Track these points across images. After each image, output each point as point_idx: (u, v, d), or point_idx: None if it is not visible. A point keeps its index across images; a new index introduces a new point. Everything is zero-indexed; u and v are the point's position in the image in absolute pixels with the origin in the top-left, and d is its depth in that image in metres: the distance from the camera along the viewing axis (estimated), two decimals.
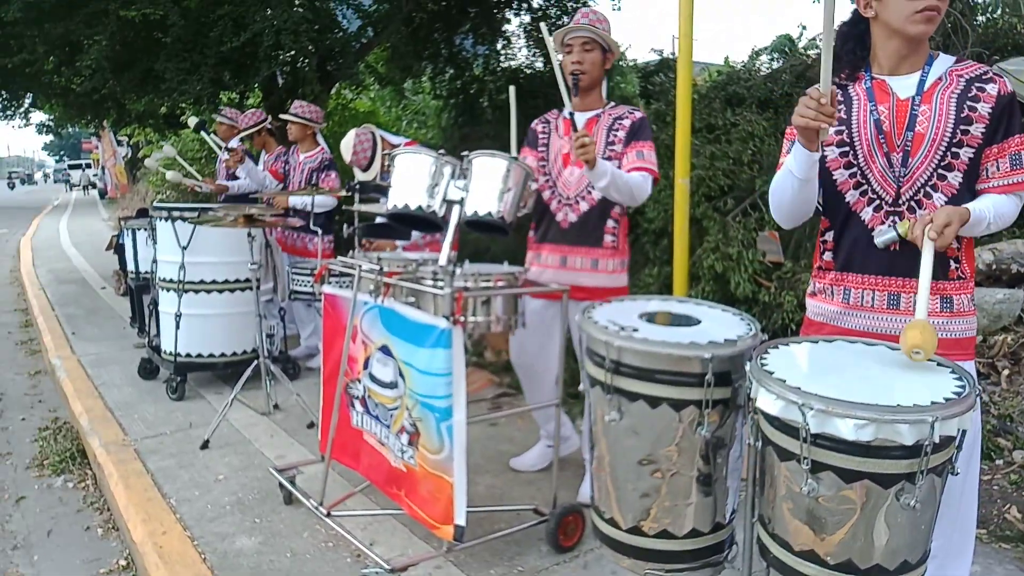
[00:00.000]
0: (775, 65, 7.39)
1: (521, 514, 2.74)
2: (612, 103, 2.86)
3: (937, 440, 1.34)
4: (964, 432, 1.41)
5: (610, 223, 2.81)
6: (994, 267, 3.51)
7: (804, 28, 10.88)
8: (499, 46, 9.33)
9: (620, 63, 10.04)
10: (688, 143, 3.39)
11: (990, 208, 1.72)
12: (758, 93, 5.60)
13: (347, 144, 3.99)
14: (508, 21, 9.21)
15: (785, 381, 1.45)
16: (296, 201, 4.73)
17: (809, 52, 7.41)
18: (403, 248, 3.77)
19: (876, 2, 1.78)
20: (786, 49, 8.47)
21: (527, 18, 9.07)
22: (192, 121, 5.95)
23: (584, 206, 2.81)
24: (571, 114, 2.56)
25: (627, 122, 2.76)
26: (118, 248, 6.92)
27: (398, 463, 2.52)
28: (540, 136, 2.95)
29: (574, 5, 8.97)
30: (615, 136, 2.76)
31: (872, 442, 1.36)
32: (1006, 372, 3.30)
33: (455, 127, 9.31)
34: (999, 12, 6.11)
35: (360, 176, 4.02)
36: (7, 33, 6.61)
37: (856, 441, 1.36)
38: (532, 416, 3.39)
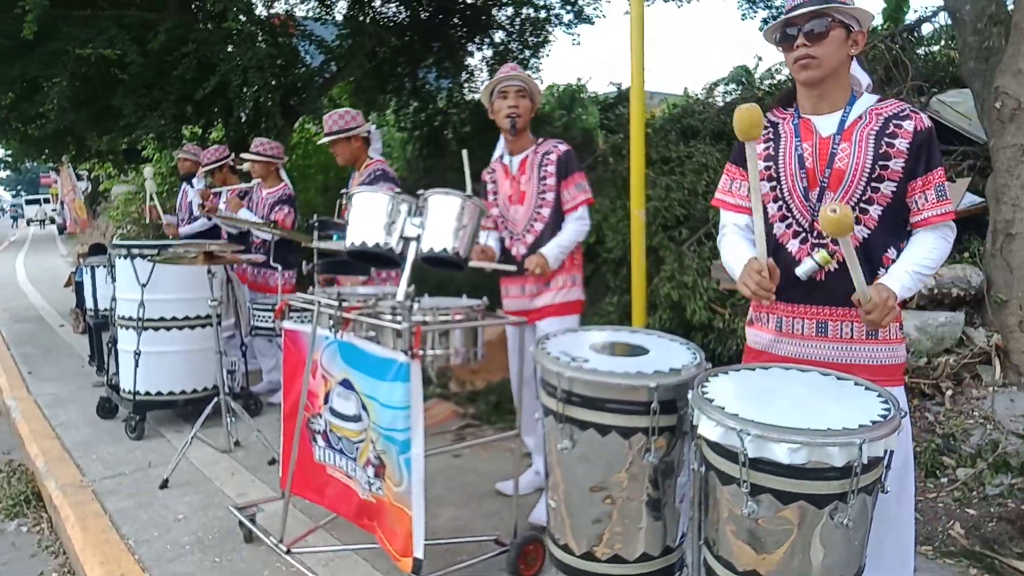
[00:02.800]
0: (731, 97, 7.63)
1: (483, 545, 2.76)
2: (540, 139, 3.20)
3: (866, 461, 1.42)
4: (891, 452, 1.49)
5: None
6: (936, 291, 3.66)
7: (760, 59, 11.31)
8: (462, 79, 9.48)
9: (582, 95, 10.28)
10: (643, 175, 3.50)
11: (913, 270, 1.80)
12: (712, 125, 5.78)
13: (333, 115, 4.02)
14: (471, 55, 9.39)
15: (724, 408, 1.52)
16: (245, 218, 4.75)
17: (765, 83, 7.67)
18: (363, 283, 3.79)
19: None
20: (743, 80, 8.75)
21: (489, 52, 9.25)
22: (148, 171, 6.02)
23: (530, 238, 3.13)
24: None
25: (553, 156, 3.11)
26: (76, 285, 6.82)
27: (367, 495, 2.53)
28: (490, 186, 3.28)
29: (534, 40, 9.18)
30: (545, 171, 3.11)
31: (806, 464, 1.44)
32: (949, 393, 3.43)
33: (420, 159, 9.40)
34: (939, 46, 6.40)
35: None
36: None
37: (791, 464, 1.44)
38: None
